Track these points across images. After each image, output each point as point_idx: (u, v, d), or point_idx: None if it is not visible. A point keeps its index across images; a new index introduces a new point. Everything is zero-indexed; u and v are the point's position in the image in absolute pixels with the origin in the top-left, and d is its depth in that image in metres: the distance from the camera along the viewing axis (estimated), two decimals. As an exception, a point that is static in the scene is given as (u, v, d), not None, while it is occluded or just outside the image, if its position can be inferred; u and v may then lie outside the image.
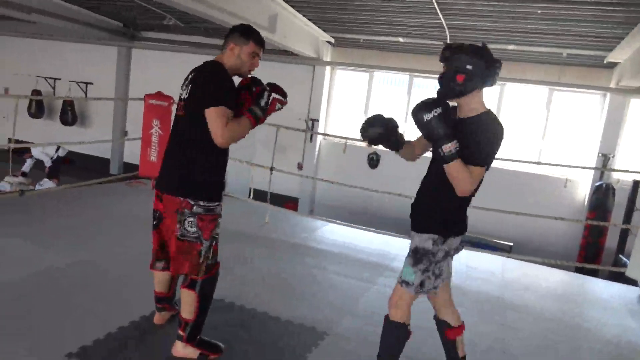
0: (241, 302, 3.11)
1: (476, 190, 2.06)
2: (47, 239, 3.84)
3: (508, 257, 5.53)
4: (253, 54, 2.35)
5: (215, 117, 2.15)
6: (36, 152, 8.68)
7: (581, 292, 4.56)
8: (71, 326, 2.59)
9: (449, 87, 2.01)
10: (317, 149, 10.05)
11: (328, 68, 9.80)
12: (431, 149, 2.12)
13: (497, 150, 2.00)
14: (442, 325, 2.32)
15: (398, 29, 7.63)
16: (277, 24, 7.04)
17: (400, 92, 9.70)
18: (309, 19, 7.81)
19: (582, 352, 3.14)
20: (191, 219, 2.26)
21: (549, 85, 8.53)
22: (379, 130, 2.23)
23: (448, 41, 7.59)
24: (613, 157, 8.14)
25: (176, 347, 2.39)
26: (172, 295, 2.67)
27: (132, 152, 10.60)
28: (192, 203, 2.25)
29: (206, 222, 2.29)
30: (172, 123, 2.44)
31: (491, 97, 8.89)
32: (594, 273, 6.95)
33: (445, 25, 6.71)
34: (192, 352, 2.38)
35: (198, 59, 9.57)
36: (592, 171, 8.14)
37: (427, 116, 1.97)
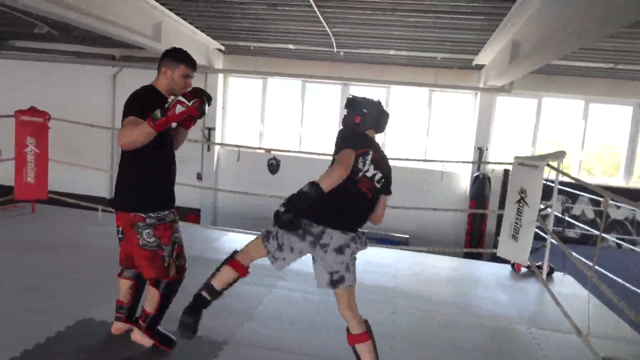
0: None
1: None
2: None
3: (401, 249, 5.92)
4: (185, 76, 2.58)
5: (122, 126, 2.39)
6: None
7: (463, 274, 5.04)
8: None
9: (350, 126, 2.54)
10: (215, 158, 9.91)
11: (220, 76, 9.71)
12: None
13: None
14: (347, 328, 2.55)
15: (287, 36, 7.80)
16: (162, 33, 6.85)
17: (294, 96, 9.92)
18: (196, 27, 7.69)
19: (461, 327, 3.49)
20: (148, 230, 2.51)
21: (428, 87, 9.26)
22: (291, 216, 2.27)
23: (334, 48, 7.94)
24: (487, 149, 9.07)
25: (134, 333, 2.74)
26: (131, 307, 2.85)
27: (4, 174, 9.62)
28: (144, 216, 2.50)
29: (162, 231, 2.54)
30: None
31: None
32: (478, 256, 7.72)
33: (330, 32, 7.01)
34: (147, 341, 2.72)
35: (79, 69, 9.05)
36: (471, 163, 9.00)
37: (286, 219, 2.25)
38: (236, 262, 2.50)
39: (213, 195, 9.79)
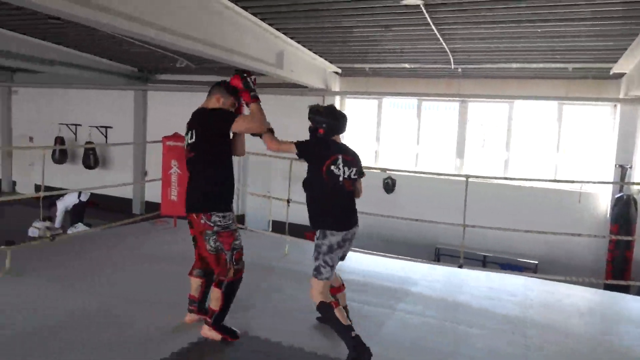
0: (266, 335, 3.18)
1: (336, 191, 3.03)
2: (72, 282, 3.98)
3: (531, 276, 5.48)
4: (233, 104, 3.19)
5: (241, 120, 3.09)
6: (60, 205, 9.03)
7: (607, 308, 4.50)
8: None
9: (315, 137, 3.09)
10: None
11: (338, 97, 10.01)
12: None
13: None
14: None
15: (402, 55, 7.80)
16: (284, 60, 7.28)
17: (410, 115, 9.83)
18: (315, 52, 8.05)
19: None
20: (213, 238, 3.01)
21: (558, 100, 8.56)
22: None
23: (452, 64, 7.74)
24: (631, 167, 8.06)
25: (204, 329, 3.08)
26: (202, 300, 3.28)
27: (152, 191, 10.87)
28: (212, 225, 2.96)
29: (224, 238, 3.00)
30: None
31: (501, 115, 8.98)
32: (624, 289, 6.80)
33: (447, 49, 6.86)
34: (215, 335, 3.05)
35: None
36: (611, 184, 8.07)
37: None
38: (334, 303, 2.94)
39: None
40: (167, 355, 2.86)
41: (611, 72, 7.33)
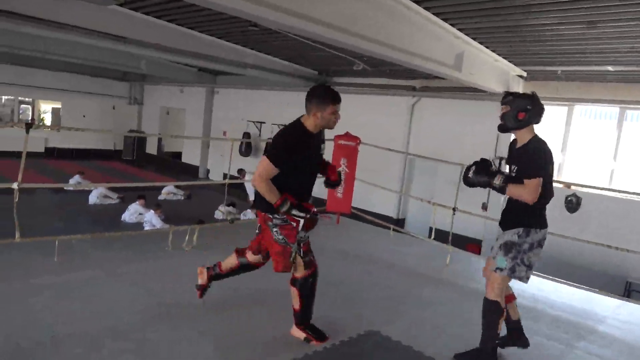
0: (419, 348, 3.04)
1: (545, 195, 2.71)
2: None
3: None
4: (333, 112, 2.84)
5: (262, 163, 2.77)
6: (248, 184, 10.12)
7: None
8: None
9: (511, 122, 2.76)
10: (504, 188, 9.38)
11: (518, 102, 9.18)
12: None
13: (547, 163, 2.74)
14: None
15: (606, 56, 6.76)
16: (463, 62, 6.93)
17: (609, 126, 8.50)
18: (498, 54, 7.49)
19: None
20: (275, 229, 2.87)
21: None
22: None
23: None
24: None
25: (292, 329, 3.02)
26: (219, 273, 3.27)
27: (318, 188, 11.48)
28: (271, 216, 2.86)
29: (287, 231, 2.84)
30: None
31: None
32: None
33: (668, 48, 5.71)
34: (300, 334, 2.99)
35: (381, 100, 10.10)
36: None
37: (469, 179, 2.84)
38: (505, 312, 2.86)
39: (497, 227, 9.27)
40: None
41: None
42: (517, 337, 3.04)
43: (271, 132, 13.20)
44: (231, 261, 3.21)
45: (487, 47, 7.15)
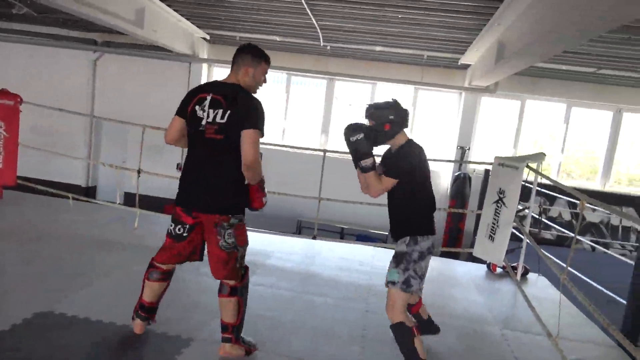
0: (97, 318, 2.91)
1: (424, 198, 2.67)
2: None
3: (380, 246, 5.89)
4: (264, 72, 2.62)
5: (252, 139, 2.40)
6: None
7: (440, 274, 5.02)
8: None
9: (381, 137, 2.63)
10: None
11: (205, 65, 9.56)
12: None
13: (414, 168, 2.59)
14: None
15: (273, 27, 7.69)
16: (144, 18, 6.68)
17: (279, 89, 9.81)
18: (181, 15, 7.53)
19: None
20: (229, 231, 2.48)
21: (414, 85, 9.24)
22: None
23: (321, 41, 7.86)
24: (469, 149, 9.09)
25: (224, 348, 2.63)
26: (156, 307, 2.77)
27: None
28: (230, 216, 2.47)
29: (241, 231, 2.53)
30: (192, 142, 2.51)
31: (364, 96, 9.40)
32: (456, 255, 7.74)
33: (317, 25, 6.93)
34: (240, 350, 2.66)
35: (55, 53, 8.82)
36: (452, 162, 9.02)
37: (352, 138, 2.57)
38: (415, 329, 2.55)
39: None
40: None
41: (459, 63, 8.10)
42: (427, 326, 3.06)
43: None
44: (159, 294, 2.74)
45: (169, 6, 7.08)
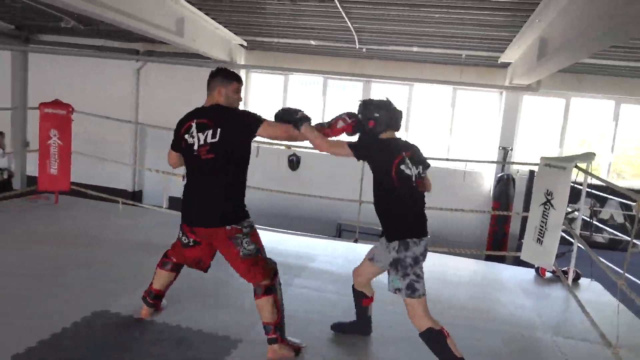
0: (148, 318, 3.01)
1: (402, 195, 2.60)
2: None
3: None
4: (237, 90, 2.74)
5: (272, 128, 2.74)
6: None
7: (485, 277, 4.91)
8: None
9: (364, 133, 2.70)
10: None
11: (243, 72, 9.71)
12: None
13: (372, 148, 2.69)
14: (359, 296, 3.01)
15: (308, 32, 7.73)
16: (184, 28, 6.86)
17: (316, 92, 9.86)
18: (219, 22, 7.69)
19: (481, 332, 3.37)
20: (247, 239, 2.59)
21: (452, 85, 9.08)
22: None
23: (357, 44, 7.84)
24: (512, 149, 8.85)
25: (273, 349, 2.62)
26: (164, 294, 3.00)
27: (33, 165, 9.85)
28: (240, 227, 2.58)
29: (256, 236, 2.66)
30: (190, 167, 2.67)
31: (401, 97, 9.31)
32: (501, 259, 7.54)
33: (352, 28, 6.92)
34: (289, 350, 2.67)
35: (101, 63, 9.12)
36: (495, 163, 8.79)
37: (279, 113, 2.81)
38: (445, 331, 2.50)
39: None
40: None
41: (499, 61, 7.90)
42: (363, 326, 3.10)
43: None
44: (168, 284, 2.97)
45: (207, 14, 7.24)
